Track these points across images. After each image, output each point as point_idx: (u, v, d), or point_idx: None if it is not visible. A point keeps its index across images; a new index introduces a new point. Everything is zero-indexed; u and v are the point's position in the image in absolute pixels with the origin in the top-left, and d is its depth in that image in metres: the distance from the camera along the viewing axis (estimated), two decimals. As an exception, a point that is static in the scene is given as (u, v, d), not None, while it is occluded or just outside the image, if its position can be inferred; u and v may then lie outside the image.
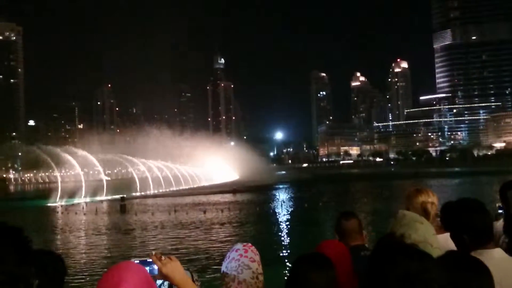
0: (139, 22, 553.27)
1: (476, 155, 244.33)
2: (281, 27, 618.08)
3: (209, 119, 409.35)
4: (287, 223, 32.24)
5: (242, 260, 3.00)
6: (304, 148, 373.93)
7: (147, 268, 2.49)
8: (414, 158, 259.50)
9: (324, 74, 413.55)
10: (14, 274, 1.56)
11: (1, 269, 1.54)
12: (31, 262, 1.66)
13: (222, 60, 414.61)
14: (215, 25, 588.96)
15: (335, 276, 2.76)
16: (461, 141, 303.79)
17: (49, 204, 53.53)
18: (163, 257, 2.49)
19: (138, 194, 67.86)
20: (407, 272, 1.65)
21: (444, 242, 3.29)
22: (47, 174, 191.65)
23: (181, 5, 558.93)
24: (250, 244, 3.13)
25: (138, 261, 2.46)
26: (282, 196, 57.73)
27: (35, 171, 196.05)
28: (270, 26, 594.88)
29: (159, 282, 2.61)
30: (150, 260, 2.48)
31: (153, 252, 2.53)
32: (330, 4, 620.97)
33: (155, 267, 2.47)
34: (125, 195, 49.84)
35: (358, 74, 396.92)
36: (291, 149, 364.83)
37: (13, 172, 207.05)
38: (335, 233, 4.53)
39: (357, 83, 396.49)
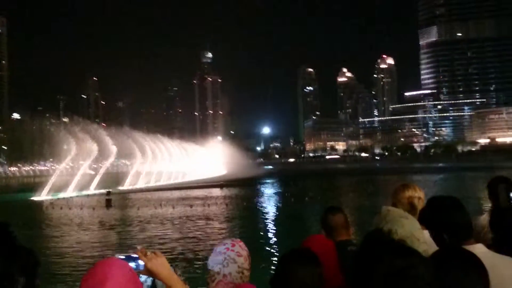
0: (125, 13, 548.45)
1: (460, 151, 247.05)
2: (265, 22, 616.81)
3: (196, 113, 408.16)
4: (274, 218, 32.33)
5: (228, 253, 3.04)
6: (291, 143, 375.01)
7: (133, 264, 2.47)
8: (399, 154, 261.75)
9: (311, 70, 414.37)
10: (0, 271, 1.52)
11: None
12: (16, 258, 1.62)
13: (210, 55, 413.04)
14: (200, 18, 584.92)
15: (322, 272, 2.78)
16: (445, 137, 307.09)
17: (34, 198, 52.99)
18: (148, 253, 2.47)
19: (125, 188, 67.51)
20: (393, 268, 1.63)
21: (429, 237, 3.33)
22: (33, 168, 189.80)
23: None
24: (239, 240, 3.18)
25: (123, 257, 2.45)
26: (269, 190, 57.90)
27: (19, 165, 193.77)
28: (254, 21, 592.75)
29: (143, 277, 2.59)
30: (136, 255, 2.46)
31: (138, 247, 2.51)
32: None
33: (141, 262, 2.44)
34: (111, 190, 49.49)
35: (345, 70, 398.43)
36: (279, 144, 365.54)
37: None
38: (321, 228, 4.55)
39: (344, 79, 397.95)
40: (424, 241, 2.98)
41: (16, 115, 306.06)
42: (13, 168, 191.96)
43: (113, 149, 73.77)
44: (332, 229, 4.36)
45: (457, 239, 2.89)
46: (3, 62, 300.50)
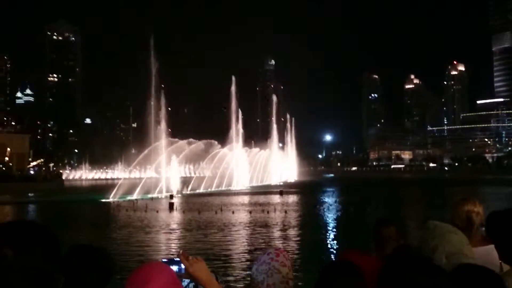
0: (192, 21, 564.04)
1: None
2: (332, 27, 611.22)
3: (258, 120, 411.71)
4: (332, 227, 31.86)
5: (272, 264, 3.00)
6: (354, 151, 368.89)
7: (175, 267, 2.63)
8: (469, 164, 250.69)
9: (376, 76, 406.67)
10: (41, 270, 1.62)
11: (29, 264, 1.60)
12: (57, 259, 1.72)
13: (273, 62, 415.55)
14: (266, 24, 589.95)
15: (364, 285, 2.71)
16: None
17: (104, 200, 55.47)
18: (190, 257, 2.60)
19: (189, 192, 69.34)
20: (417, 286, 1.61)
21: (486, 254, 3.21)
22: (104, 170, 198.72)
23: (232, 4, 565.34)
24: (282, 249, 3.16)
25: (166, 260, 2.66)
26: (328, 199, 57.21)
27: (91, 167, 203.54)
28: (322, 26, 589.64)
29: (185, 281, 2.72)
30: (178, 259, 2.61)
31: (181, 252, 2.66)
32: (382, 3, 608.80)
33: (183, 266, 2.58)
34: (173, 193, 50.83)
35: (412, 76, 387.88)
36: (340, 152, 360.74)
37: (69, 168, 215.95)
38: (372, 240, 4.45)
39: (411, 86, 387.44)
40: (472, 257, 2.90)
41: (88, 120, 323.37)
42: (84, 171, 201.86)
43: (174, 154, 75.78)
44: (383, 241, 4.26)
45: None
46: (77, 69, 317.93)
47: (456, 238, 2.90)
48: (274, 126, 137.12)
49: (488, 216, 3.20)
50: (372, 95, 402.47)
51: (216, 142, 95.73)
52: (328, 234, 28.61)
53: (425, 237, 2.96)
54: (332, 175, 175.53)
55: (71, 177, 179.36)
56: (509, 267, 2.78)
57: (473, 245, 3.16)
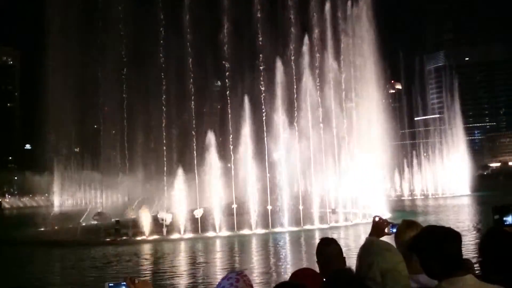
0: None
1: None
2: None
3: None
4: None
5: None
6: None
7: None
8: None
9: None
10: None
11: None
12: None
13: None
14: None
15: None
16: None
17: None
18: (136, 281, 2.65)
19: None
20: None
21: (430, 280, 3.14)
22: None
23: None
24: (243, 273, 3.12)
25: (112, 284, 2.64)
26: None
27: (31, 196, 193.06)
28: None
29: None
30: (124, 283, 2.64)
31: (128, 276, 2.67)
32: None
33: None
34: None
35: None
36: None
37: (9, 196, 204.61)
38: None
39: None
40: (406, 274, 3.08)
41: (28, 146, 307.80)
42: (26, 198, 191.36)
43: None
44: (325, 260, 4.46)
45: (448, 269, 2.84)
46: (16, 94, 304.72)
47: (391, 255, 3.09)
48: None
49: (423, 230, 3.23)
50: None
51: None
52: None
53: (362, 254, 3.16)
54: None
55: (13, 205, 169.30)
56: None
57: (418, 271, 3.18)
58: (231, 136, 39.99)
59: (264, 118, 40.70)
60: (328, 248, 4.21)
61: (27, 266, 24.72)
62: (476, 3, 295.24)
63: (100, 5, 42.61)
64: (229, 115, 41.13)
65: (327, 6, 45.65)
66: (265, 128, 40.41)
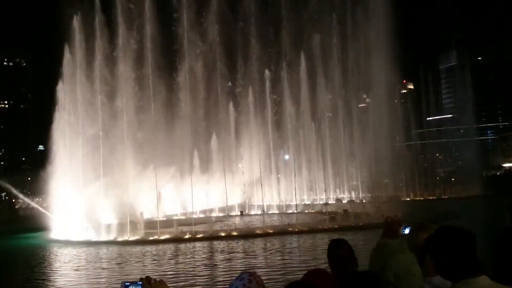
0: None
1: None
2: None
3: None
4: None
5: None
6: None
7: None
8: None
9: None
10: None
11: None
12: None
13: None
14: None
15: None
16: None
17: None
18: (152, 280, 2.68)
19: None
20: None
21: (445, 283, 3.07)
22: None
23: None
24: (256, 274, 3.10)
25: (128, 283, 2.67)
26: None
27: (44, 196, 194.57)
28: None
29: None
30: (140, 282, 2.66)
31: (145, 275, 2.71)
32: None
33: None
34: None
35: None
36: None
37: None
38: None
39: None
40: (420, 277, 3.01)
41: (41, 147, 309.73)
42: (39, 199, 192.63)
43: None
44: (336, 262, 4.41)
45: (461, 271, 2.77)
46: (29, 95, 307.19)
47: (404, 258, 3.04)
48: None
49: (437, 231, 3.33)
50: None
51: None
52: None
53: (375, 256, 3.08)
54: None
55: (26, 206, 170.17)
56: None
57: (432, 273, 3.10)
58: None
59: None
60: (339, 251, 4.04)
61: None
62: (489, 2, 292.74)
63: (113, 7, 43.17)
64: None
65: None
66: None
